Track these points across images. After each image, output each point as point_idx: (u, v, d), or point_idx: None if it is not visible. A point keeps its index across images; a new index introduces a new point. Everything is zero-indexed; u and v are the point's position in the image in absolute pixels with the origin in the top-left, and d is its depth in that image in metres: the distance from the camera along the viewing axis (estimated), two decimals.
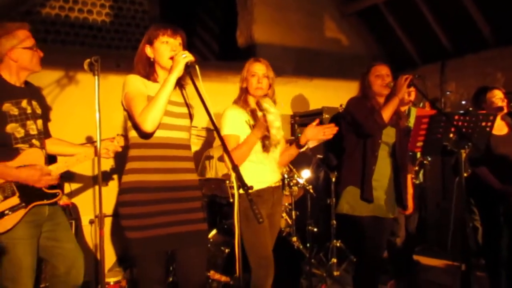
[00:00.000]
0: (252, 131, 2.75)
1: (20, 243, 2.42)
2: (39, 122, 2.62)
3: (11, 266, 2.41)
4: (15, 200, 2.43)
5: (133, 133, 2.35)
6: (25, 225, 2.44)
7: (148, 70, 2.38)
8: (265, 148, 2.81)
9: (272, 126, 2.77)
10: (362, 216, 3.07)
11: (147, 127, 2.20)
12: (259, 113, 2.80)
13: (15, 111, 2.48)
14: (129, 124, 2.36)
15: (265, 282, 2.78)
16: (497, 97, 3.66)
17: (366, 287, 3.18)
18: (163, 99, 2.20)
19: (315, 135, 2.87)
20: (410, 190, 3.34)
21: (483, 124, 2.99)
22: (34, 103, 2.61)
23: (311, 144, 4.24)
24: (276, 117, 2.82)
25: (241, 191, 1.91)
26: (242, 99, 2.89)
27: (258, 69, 2.88)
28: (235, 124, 2.80)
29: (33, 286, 2.51)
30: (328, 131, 2.87)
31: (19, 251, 2.42)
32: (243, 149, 2.73)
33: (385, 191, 3.11)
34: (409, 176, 3.39)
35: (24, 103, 2.54)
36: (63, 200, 3.63)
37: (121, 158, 4.08)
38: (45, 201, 2.56)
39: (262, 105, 2.81)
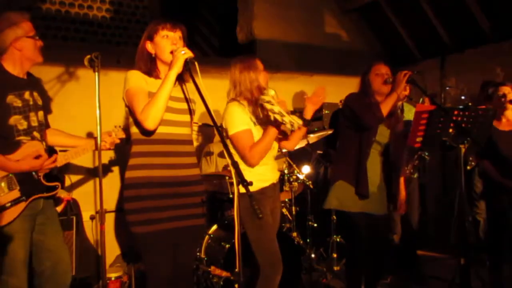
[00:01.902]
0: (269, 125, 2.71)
1: (16, 236, 2.44)
2: (40, 113, 2.63)
3: (6, 259, 2.43)
4: (16, 194, 2.45)
5: (135, 129, 2.36)
6: (22, 219, 2.47)
7: (150, 66, 2.38)
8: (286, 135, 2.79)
9: (283, 114, 2.63)
10: (352, 212, 3.10)
11: (149, 124, 2.22)
12: (267, 105, 2.65)
13: (18, 103, 2.49)
14: (131, 119, 2.37)
15: (274, 278, 2.77)
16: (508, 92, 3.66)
17: (355, 282, 3.22)
18: (164, 97, 2.21)
19: (315, 103, 2.87)
20: (403, 192, 3.37)
21: (483, 119, 3.00)
22: (35, 94, 2.62)
23: (311, 140, 4.26)
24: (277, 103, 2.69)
25: (240, 187, 1.92)
26: (253, 96, 2.79)
27: (261, 64, 2.89)
28: (245, 119, 2.77)
29: (27, 279, 2.53)
30: (321, 93, 2.87)
31: (15, 243, 2.44)
32: (266, 141, 2.70)
33: (375, 187, 3.14)
34: (402, 180, 3.43)
35: (26, 94, 2.55)
36: (64, 195, 3.64)
37: (121, 154, 4.12)
38: (45, 194, 2.58)
39: (269, 93, 2.72)
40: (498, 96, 3.68)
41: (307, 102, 2.88)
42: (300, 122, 2.61)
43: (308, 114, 2.88)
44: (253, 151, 2.70)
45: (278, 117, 2.52)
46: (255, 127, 2.80)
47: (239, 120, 2.75)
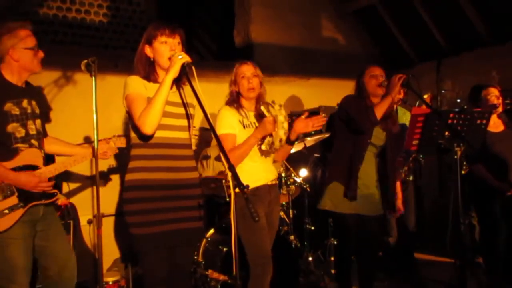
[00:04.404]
0: (253, 132, 2.77)
1: (15, 243, 2.44)
2: (38, 122, 2.64)
3: (6, 265, 2.42)
4: (13, 200, 2.45)
5: (134, 133, 2.39)
6: (21, 225, 2.46)
7: (148, 70, 2.40)
8: (265, 150, 2.83)
9: (281, 127, 2.76)
10: (344, 213, 3.13)
11: (147, 130, 2.24)
12: (267, 115, 2.76)
13: (16, 110, 2.49)
14: (131, 124, 2.40)
15: (263, 280, 2.80)
16: (493, 95, 3.69)
17: (345, 282, 3.30)
18: (160, 102, 2.23)
19: (304, 128, 2.85)
20: (399, 194, 3.42)
21: (478, 121, 3.02)
22: (33, 102, 2.62)
23: (308, 143, 4.27)
24: (286, 119, 2.81)
25: (237, 190, 1.93)
26: (235, 102, 2.91)
27: (246, 70, 2.91)
28: (231, 124, 2.83)
29: (29, 285, 2.52)
30: (317, 123, 2.84)
31: (14, 250, 2.43)
32: (243, 149, 2.76)
33: (368, 189, 3.16)
34: (398, 183, 3.47)
35: (25, 103, 2.55)
36: (62, 200, 3.64)
37: (120, 157, 4.13)
38: (43, 201, 2.57)
39: (273, 107, 2.80)
40: (482, 99, 3.71)
41: (295, 123, 2.86)
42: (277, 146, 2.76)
43: (292, 136, 2.90)
44: (229, 155, 2.71)
45: (280, 127, 2.64)
46: (244, 130, 2.84)
47: (224, 123, 2.83)
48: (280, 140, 2.79)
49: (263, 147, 2.80)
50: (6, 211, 2.42)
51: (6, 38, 2.47)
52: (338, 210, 3.17)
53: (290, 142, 2.94)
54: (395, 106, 3.98)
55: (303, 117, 2.87)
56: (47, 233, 2.62)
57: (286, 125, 2.79)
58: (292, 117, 5.40)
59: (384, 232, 4.01)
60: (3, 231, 2.41)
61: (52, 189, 2.62)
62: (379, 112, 3.02)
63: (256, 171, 2.86)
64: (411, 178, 4.08)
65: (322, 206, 3.26)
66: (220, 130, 2.81)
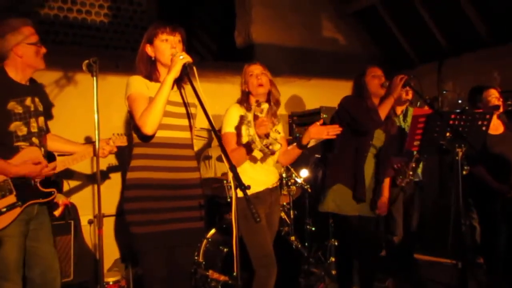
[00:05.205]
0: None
1: (10, 241, 2.45)
2: (41, 119, 2.64)
3: (1, 264, 2.43)
4: (12, 199, 2.45)
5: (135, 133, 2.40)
6: (17, 223, 2.47)
7: (150, 69, 2.40)
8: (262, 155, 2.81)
9: (247, 127, 2.57)
10: (348, 215, 3.12)
11: (147, 130, 2.24)
12: (243, 127, 2.65)
13: (19, 109, 2.50)
14: (132, 124, 2.40)
15: (267, 281, 2.79)
16: (493, 96, 3.69)
17: (347, 283, 3.30)
18: (161, 102, 2.23)
19: (319, 134, 2.84)
20: (386, 194, 3.41)
21: (480, 122, 3.02)
22: (36, 100, 2.63)
23: (309, 143, 4.26)
24: (253, 117, 2.60)
25: (238, 190, 1.93)
26: (244, 101, 2.90)
27: (255, 68, 2.92)
28: (237, 123, 2.81)
29: (21, 283, 2.53)
30: (332, 131, 2.83)
31: (9, 248, 2.44)
32: (242, 151, 2.74)
33: (369, 190, 3.17)
34: (387, 181, 3.46)
35: (28, 101, 2.56)
36: (62, 200, 3.64)
37: (120, 157, 4.13)
38: (41, 200, 2.58)
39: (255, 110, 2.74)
40: (483, 100, 3.70)
41: (310, 128, 2.85)
42: (278, 147, 2.57)
43: (305, 140, 2.88)
44: (231, 154, 2.69)
45: (250, 140, 2.51)
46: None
47: (230, 122, 2.82)
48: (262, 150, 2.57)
49: (254, 154, 2.76)
50: (4, 210, 2.43)
51: (10, 35, 2.48)
52: (342, 212, 3.16)
53: (302, 146, 2.93)
54: (405, 106, 3.99)
55: (318, 123, 2.85)
56: (38, 233, 2.62)
57: (252, 123, 2.51)
58: (293, 117, 5.41)
59: (388, 231, 4.00)
60: (0, 230, 2.41)
61: (49, 188, 2.62)
62: (383, 113, 3.03)
63: (258, 176, 2.85)
64: (416, 179, 4.06)
65: (325, 208, 3.23)
66: (226, 128, 2.82)
